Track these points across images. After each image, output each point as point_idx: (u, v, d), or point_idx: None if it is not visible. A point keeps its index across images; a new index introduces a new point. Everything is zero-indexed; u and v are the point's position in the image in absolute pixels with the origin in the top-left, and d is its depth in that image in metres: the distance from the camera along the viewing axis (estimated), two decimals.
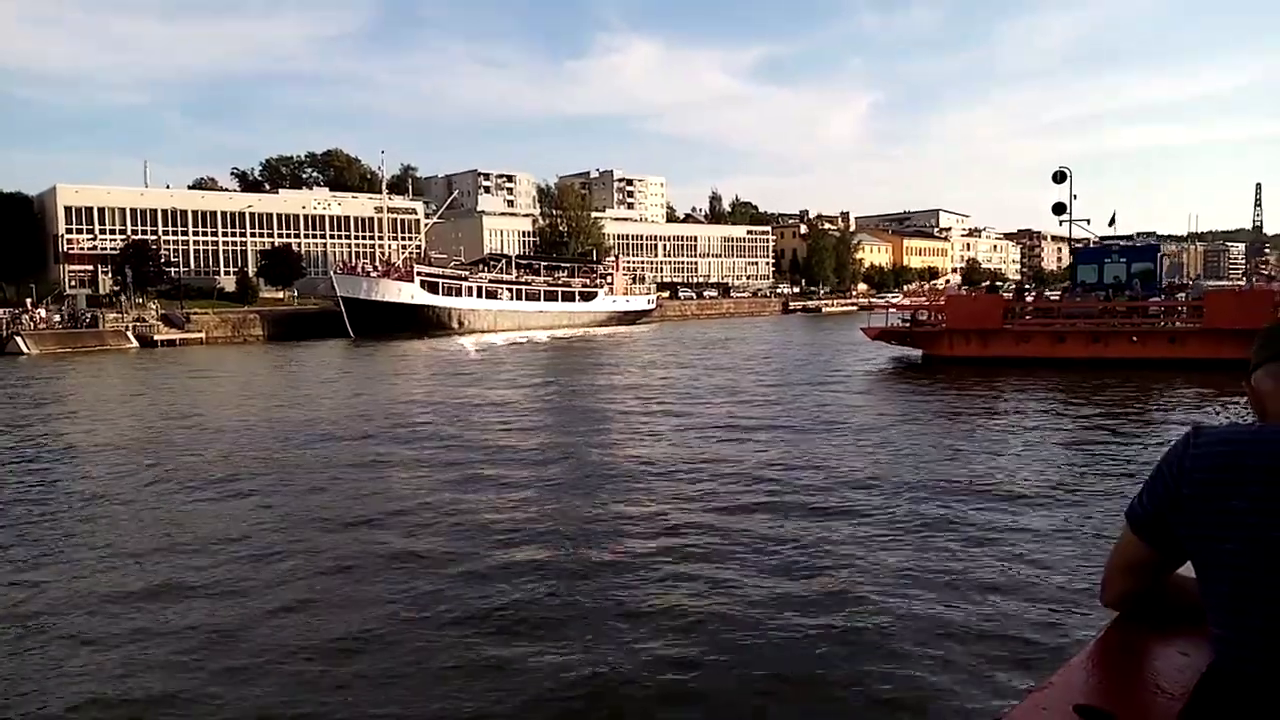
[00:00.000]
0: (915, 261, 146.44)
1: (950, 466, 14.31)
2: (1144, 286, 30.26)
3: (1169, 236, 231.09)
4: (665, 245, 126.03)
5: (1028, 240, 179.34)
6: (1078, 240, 35.20)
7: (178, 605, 8.42)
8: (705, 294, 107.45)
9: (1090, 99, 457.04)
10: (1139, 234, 33.77)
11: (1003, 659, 6.80)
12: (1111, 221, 35.23)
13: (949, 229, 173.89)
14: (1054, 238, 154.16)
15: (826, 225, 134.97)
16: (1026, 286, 43.53)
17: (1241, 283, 60.32)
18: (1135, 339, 28.30)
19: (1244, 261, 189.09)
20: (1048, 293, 40.71)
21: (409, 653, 7.17)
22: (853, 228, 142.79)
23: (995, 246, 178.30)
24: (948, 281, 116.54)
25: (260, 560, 9.77)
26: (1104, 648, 1.53)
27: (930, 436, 17.43)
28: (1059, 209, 32.90)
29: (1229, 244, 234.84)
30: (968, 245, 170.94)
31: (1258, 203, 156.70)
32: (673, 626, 7.60)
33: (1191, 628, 1.48)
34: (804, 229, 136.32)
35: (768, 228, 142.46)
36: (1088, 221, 33.86)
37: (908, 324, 33.42)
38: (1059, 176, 32.77)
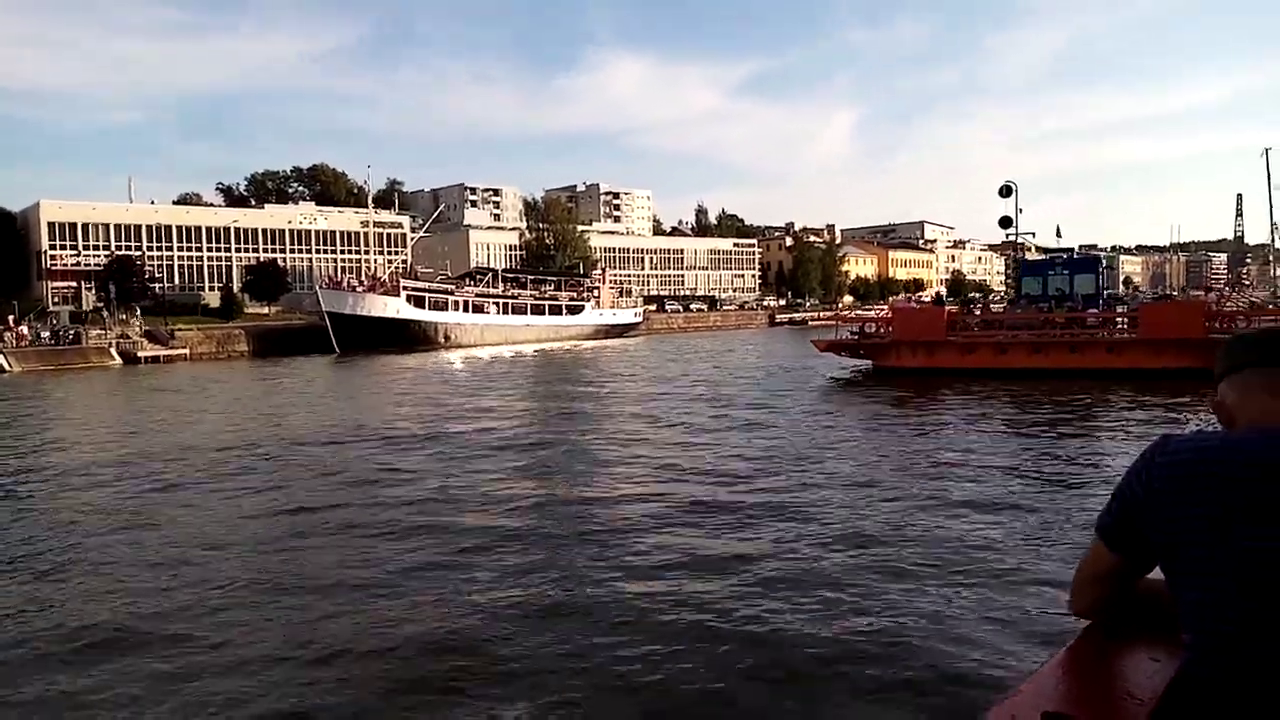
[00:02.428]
0: (900, 273, 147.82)
1: (890, 468, 14.82)
2: (1085, 299, 31.10)
3: (1152, 248, 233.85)
4: (652, 258, 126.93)
5: (1012, 252, 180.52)
6: (1055, 250, 36.15)
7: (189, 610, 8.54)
8: (692, 306, 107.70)
9: (1073, 113, 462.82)
10: (1081, 247, 34.91)
11: (964, 667, 6.61)
12: (1058, 234, 36.54)
13: (934, 241, 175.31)
14: (1037, 248, 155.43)
15: (812, 238, 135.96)
16: (972, 298, 44.69)
17: (1212, 292, 61.41)
18: (1074, 350, 29.20)
19: (1225, 271, 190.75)
20: (993, 305, 41.82)
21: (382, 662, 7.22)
22: (838, 240, 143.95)
23: (980, 258, 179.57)
24: (927, 298, 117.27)
25: (254, 569, 9.86)
26: (1074, 655, 1.54)
27: (878, 440, 18.20)
28: (1005, 223, 33.90)
29: (1211, 254, 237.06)
30: (952, 257, 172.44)
31: (1239, 213, 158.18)
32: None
33: (1163, 634, 1.50)
34: (790, 241, 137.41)
35: (754, 240, 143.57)
36: (1033, 235, 35.03)
37: (856, 336, 34.36)
38: (1005, 191, 33.75)
